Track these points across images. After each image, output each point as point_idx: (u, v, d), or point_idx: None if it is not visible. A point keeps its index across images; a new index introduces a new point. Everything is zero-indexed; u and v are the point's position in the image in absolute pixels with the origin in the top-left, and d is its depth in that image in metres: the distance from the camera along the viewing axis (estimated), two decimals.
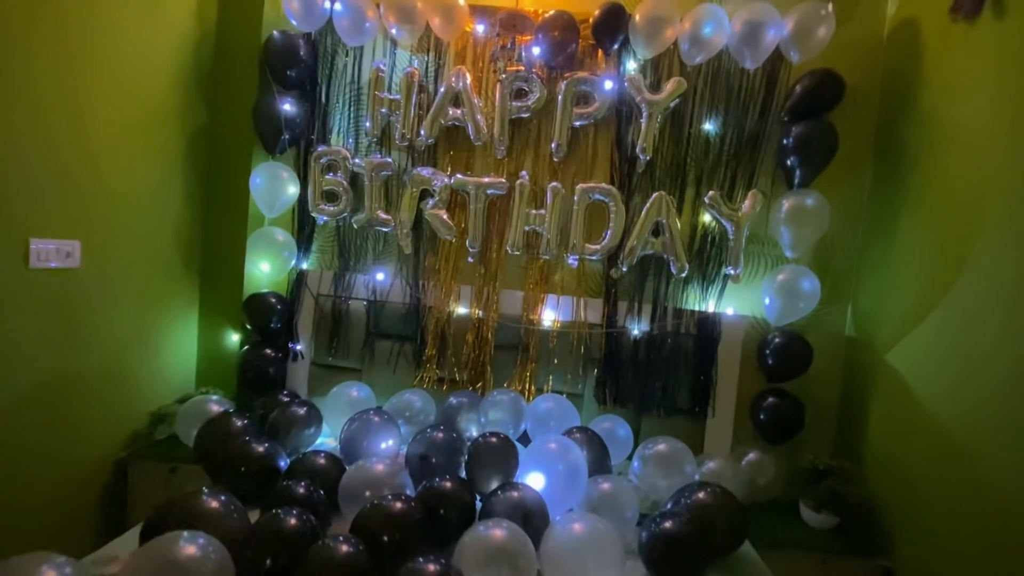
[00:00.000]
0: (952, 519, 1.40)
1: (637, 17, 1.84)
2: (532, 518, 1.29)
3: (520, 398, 1.88)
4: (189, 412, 1.80)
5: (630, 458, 1.78)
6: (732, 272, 1.90)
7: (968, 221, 1.43)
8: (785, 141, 1.84)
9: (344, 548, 1.08)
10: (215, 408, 1.82)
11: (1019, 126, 1.30)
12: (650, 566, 1.29)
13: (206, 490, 1.24)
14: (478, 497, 1.43)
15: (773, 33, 1.79)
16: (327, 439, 1.92)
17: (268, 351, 2.05)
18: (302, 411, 1.82)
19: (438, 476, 1.44)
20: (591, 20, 1.91)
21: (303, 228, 2.13)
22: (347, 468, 1.50)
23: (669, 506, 1.46)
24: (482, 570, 1.10)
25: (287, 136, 2.01)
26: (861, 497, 1.65)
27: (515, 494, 1.36)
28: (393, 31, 1.98)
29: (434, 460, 1.53)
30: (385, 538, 1.18)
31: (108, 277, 1.68)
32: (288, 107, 1.97)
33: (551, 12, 1.89)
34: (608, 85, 1.92)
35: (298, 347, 2.10)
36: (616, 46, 1.93)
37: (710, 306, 1.96)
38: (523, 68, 1.95)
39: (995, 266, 1.34)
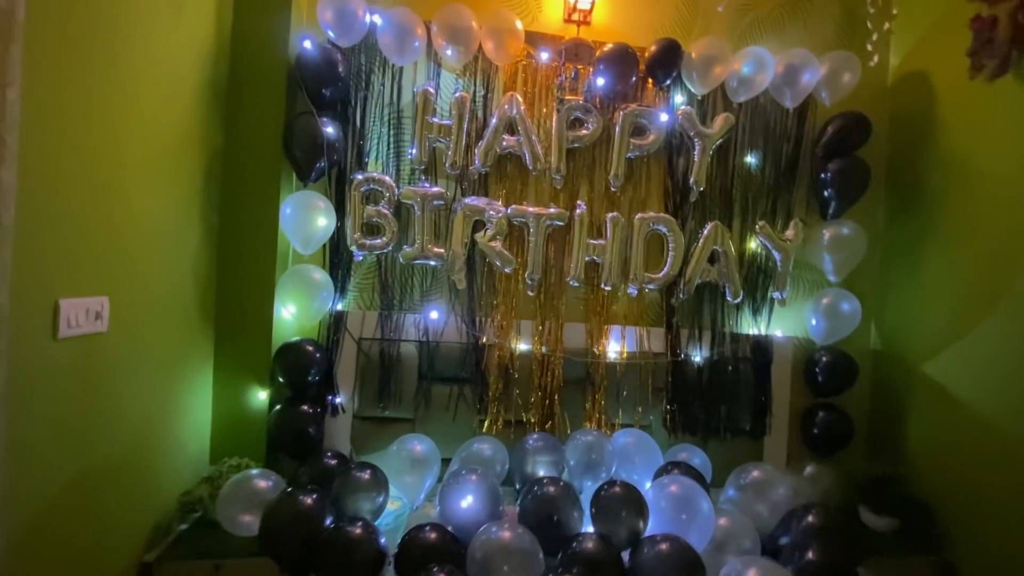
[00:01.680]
0: (1004, 511, 1.59)
1: (693, 54, 1.91)
2: (694, 571, 1.25)
3: (603, 436, 1.82)
4: (234, 492, 1.50)
5: (714, 485, 1.80)
6: (779, 296, 2.02)
7: (998, 248, 1.66)
8: (823, 175, 2.00)
9: None
10: (264, 484, 1.53)
11: None
12: None
13: None
14: (625, 554, 1.35)
15: (809, 76, 1.95)
16: (394, 503, 1.70)
17: (305, 407, 1.78)
18: (366, 476, 1.60)
19: (565, 534, 1.34)
20: (646, 54, 1.94)
21: (337, 265, 1.89)
22: (456, 531, 1.33)
23: (786, 535, 1.49)
24: None
25: (324, 162, 1.78)
26: (921, 500, 1.81)
27: (663, 547, 1.31)
28: (447, 52, 1.84)
29: (556, 518, 1.42)
30: None
31: (134, 339, 1.35)
32: (330, 130, 1.75)
33: (612, 45, 1.89)
34: (663, 118, 1.95)
35: (338, 400, 1.85)
36: (668, 81, 1.97)
37: (761, 330, 2.06)
38: (583, 98, 1.91)
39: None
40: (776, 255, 1.99)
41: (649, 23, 2.04)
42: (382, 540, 1.36)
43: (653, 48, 1.92)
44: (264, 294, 1.77)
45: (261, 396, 1.79)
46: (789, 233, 2.00)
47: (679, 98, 2.02)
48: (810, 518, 1.50)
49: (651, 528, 1.43)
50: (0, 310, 0.79)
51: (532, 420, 1.92)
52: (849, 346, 2.08)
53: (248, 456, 1.72)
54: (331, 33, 1.77)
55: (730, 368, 2.02)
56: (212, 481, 1.59)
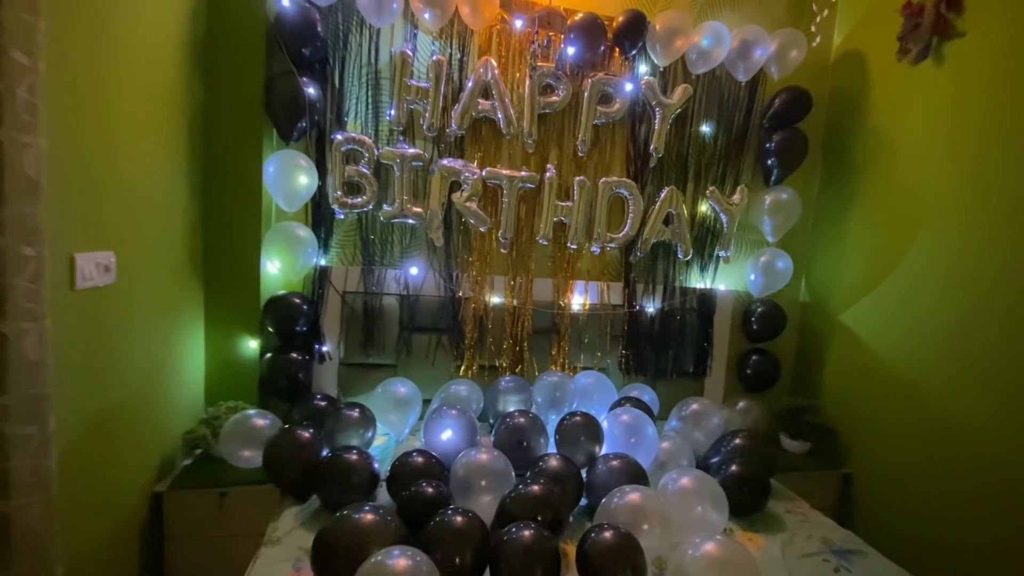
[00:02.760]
0: (891, 434, 1.95)
1: (657, 26, 2.03)
2: (639, 481, 1.51)
3: (566, 377, 2.06)
4: (235, 430, 1.65)
5: (660, 418, 2.09)
6: (724, 254, 2.27)
7: (909, 214, 1.93)
8: (768, 145, 2.21)
9: (528, 533, 1.19)
10: (261, 423, 1.69)
11: (950, 148, 1.80)
12: (730, 503, 1.60)
13: (353, 509, 1.23)
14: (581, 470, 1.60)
15: (760, 52, 2.12)
16: (380, 438, 1.90)
17: (294, 355, 1.92)
18: (355, 413, 1.78)
19: (535, 457, 1.58)
20: (614, 24, 2.05)
21: (320, 223, 1.99)
22: (451, 463, 1.55)
23: (717, 454, 1.79)
24: (636, 528, 1.29)
25: (306, 121, 1.84)
26: (828, 426, 2.16)
27: (613, 463, 1.57)
28: (424, 14, 1.89)
29: (526, 443, 1.66)
30: (539, 517, 1.30)
31: (137, 290, 1.44)
32: (311, 90, 1.80)
33: (583, 14, 1.98)
34: (628, 87, 2.09)
35: (325, 348, 2.00)
36: (634, 51, 2.10)
37: (707, 283, 2.31)
38: (554, 65, 2.02)
39: (930, 246, 1.85)
40: (723, 217, 2.22)
41: None
42: (375, 465, 1.56)
43: (620, 19, 2.03)
44: (251, 249, 1.86)
45: (252, 345, 1.92)
46: (736, 198, 2.22)
47: (643, 68, 2.16)
48: (736, 441, 1.80)
49: (606, 450, 1.69)
50: (43, 264, 0.88)
51: (504, 365, 2.13)
52: (781, 298, 2.37)
53: (242, 399, 1.86)
54: None
55: (678, 318, 2.27)
56: (211, 421, 1.74)
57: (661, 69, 2.15)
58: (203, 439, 1.69)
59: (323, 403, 1.90)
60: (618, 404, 1.95)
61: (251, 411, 1.73)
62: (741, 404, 2.26)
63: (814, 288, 2.40)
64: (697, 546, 1.17)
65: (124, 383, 1.43)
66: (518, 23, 1.97)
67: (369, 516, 1.21)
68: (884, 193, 2.07)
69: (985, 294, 1.66)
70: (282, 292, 1.91)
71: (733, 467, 1.63)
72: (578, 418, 1.72)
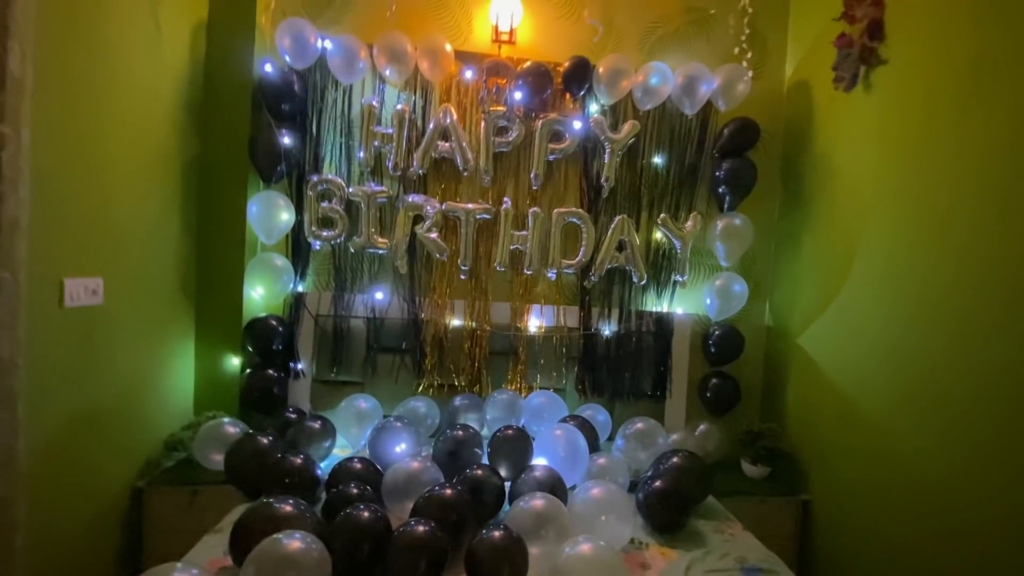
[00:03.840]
0: (848, 460, 1.90)
1: (600, 69, 2.20)
2: (555, 490, 1.59)
3: (517, 396, 2.17)
4: (208, 436, 1.87)
5: (610, 439, 2.14)
6: (680, 279, 2.33)
7: (849, 238, 1.95)
8: (717, 174, 2.29)
9: (421, 528, 1.31)
10: (232, 430, 1.90)
11: (880, 170, 1.83)
12: (648, 518, 1.64)
13: (274, 499, 1.40)
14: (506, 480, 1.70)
15: (706, 87, 2.23)
16: (340, 450, 2.07)
17: (270, 372, 2.15)
18: (316, 425, 1.97)
19: (467, 468, 1.69)
20: (562, 69, 2.24)
21: (298, 253, 2.24)
22: (385, 470, 1.69)
23: (651, 471, 1.83)
24: (532, 532, 1.38)
25: (283, 167, 2.12)
26: (786, 451, 2.13)
27: (535, 474, 1.66)
28: (385, 71, 2.16)
29: (460, 455, 1.77)
30: (444, 519, 1.41)
31: (124, 312, 1.72)
32: (287, 139, 2.09)
33: (529, 63, 2.19)
34: (577, 125, 2.25)
35: (299, 366, 2.22)
36: (582, 92, 2.27)
37: (664, 307, 2.38)
38: (505, 109, 2.23)
39: (866, 269, 1.86)
40: (676, 243, 2.30)
41: (568, 40, 2.34)
42: (318, 469, 1.73)
43: (567, 64, 2.22)
44: (235, 277, 2.13)
45: (235, 362, 2.17)
46: (688, 224, 2.30)
47: (594, 106, 2.32)
48: (673, 460, 1.83)
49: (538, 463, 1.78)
50: (20, 286, 1.14)
51: (462, 383, 2.27)
52: (745, 322, 2.39)
53: (224, 411, 2.10)
54: (288, 57, 2.10)
55: (634, 340, 2.34)
56: (192, 428, 1.97)
57: (612, 106, 2.31)
58: (180, 443, 1.93)
59: (293, 415, 2.10)
60: (563, 421, 2.03)
61: (225, 419, 1.96)
62: (701, 427, 2.27)
63: (776, 312, 2.41)
64: (575, 546, 1.25)
65: (110, 390, 1.69)
66: (468, 74, 2.20)
67: (287, 507, 1.37)
68: (829, 218, 2.09)
69: (918, 311, 1.64)
70: (262, 315, 2.16)
71: (656, 483, 1.68)
72: (510, 432, 1.82)
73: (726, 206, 2.32)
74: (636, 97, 2.27)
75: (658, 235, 2.35)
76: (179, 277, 2.03)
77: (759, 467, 2.16)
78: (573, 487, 1.69)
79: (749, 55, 2.27)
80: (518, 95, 2.20)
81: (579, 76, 2.22)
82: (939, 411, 1.56)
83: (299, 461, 1.69)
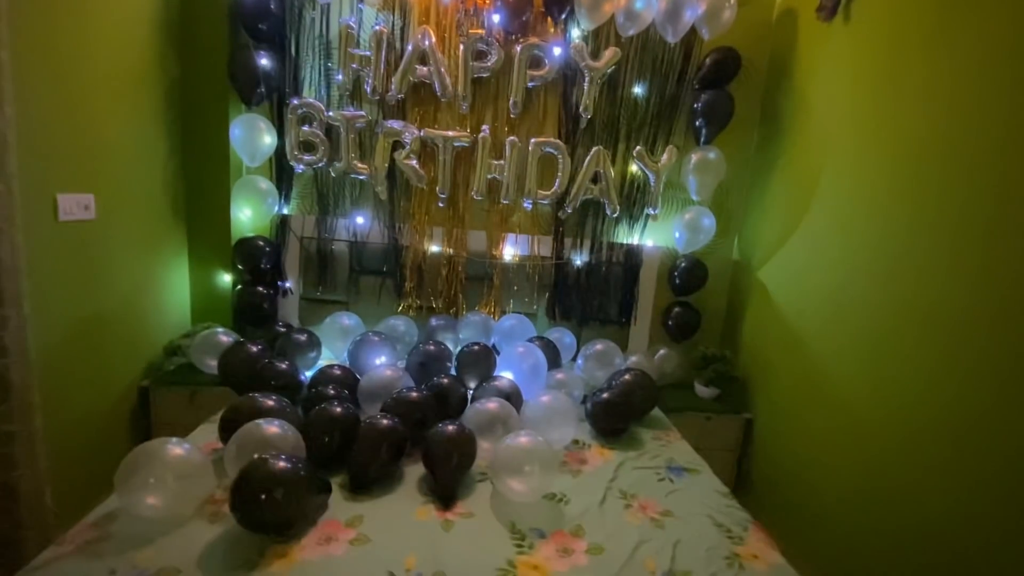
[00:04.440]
0: (788, 383, 2.07)
1: None
2: (511, 397, 1.78)
3: (489, 318, 2.33)
4: (203, 343, 2.06)
5: (574, 359, 2.32)
6: (652, 212, 2.41)
7: (812, 174, 2.00)
8: (696, 106, 2.30)
9: (385, 422, 1.50)
10: (225, 339, 2.09)
11: (850, 104, 1.84)
12: (593, 424, 1.84)
13: (259, 394, 1.59)
14: (470, 389, 1.89)
15: (690, 13, 2.18)
16: (324, 361, 2.26)
17: (260, 289, 2.31)
18: (303, 337, 2.15)
19: (436, 377, 1.88)
20: None
21: (282, 176, 2.32)
22: (361, 376, 1.88)
23: (605, 386, 2.01)
24: (485, 429, 1.58)
25: (263, 89, 2.15)
26: (734, 373, 2.31)
27: (496, 383, 1.84)
28: None
29: (430, 366, 1.96)
30: (408, 416, 1.61)
31: (116, 227, 1.85)
32: (264, 61, 2.11)
33: None
34: (557, 51, 2.23)
35: (287, 284, 2.37)
36: (564, 16, 2.23)
37: (635, 240, 2.47)
38: (484, 32, 2.20)
39: (825, 204, 1.92)
40: (650, 176, 2.35)
41: None
42: (302, 374, 1.92)
43: None
44: (222, 198, 2.23)
45: (226, 278, 2.32)
46: (664, 158, 2.34)
47: (576, 32, 2.28)
48: (625, 377, 2.01)
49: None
50: (14, 197, 1.26)
51: (439, 306, 2.43)
52: (713, 256, 2.48)
53: (220, 323, 2.28)
54: None
55: (604, 270, 2.46)
56: (189, 336, 2.16)
57: (594, 32, 2.27)
58: (179, 349, 2.12)
59: (283, 329, 2.28)
60: (529, 340, 2.20)
61: (219, 329, 2.14)
62: (661, 351, 2.44)
63: (743, 246, 2.50)
64: (515, 438, 1.44)
65: (110, 298, 1.85)
66: None
67: (270, 401, 1.56)
68: (799, 153, 2.12)
69: (870, 248, 1.68)
70: (249, 235, 2.28)
71: (603, 395, 1.86)
72: (476, 347, 2.00)
73: (702, 139, 2.34)
74: (618, 22, 2.22)
75: (633, 168, 2.39)
76: (169, 196, 2.13)
77: (710, 388, 2.34)
78: None
79: None
80: (496, 17, 2.17)
81: None
82: (869, 340, 1.67)
83: (284, 366, 1.88)
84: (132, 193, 1.92)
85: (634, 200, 2.44)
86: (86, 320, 1.74)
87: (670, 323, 2.46)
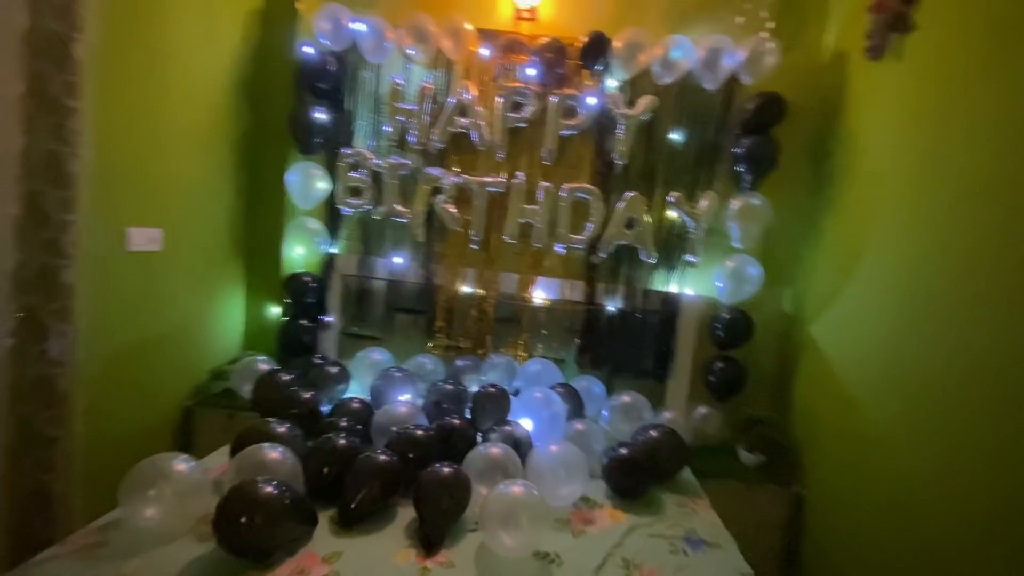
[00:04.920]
0: (846, 459, 1.80)
1: (617, 43, 2.20)
2: (520, 444, 1.70)
3: (513, 361, 2.29)
4: (243, 369, 2.20)
5: (602, 411, 2.19)
6: (692, 259, 2.29)
7: (866, 220, 1.82)
8: (736, 151, 2.21)
9: (383, 457, 1.49)
10: (264, 367, 2.21)
11: (906, 145, 1.68)
12: (608, 481, 1.70)
13: (273, 420, 1.65)
14: (480, 433, 1.84)
15: (729, 60, 2.15)
16: (353, 394, 2.31)
17: (303, 322, 2.44)
18: (334, 370, 2.23)
19: (448, 416, 1.85)
20: (579, 44, 2.26)
21: (332, 218, 2.50)
22: (376, 410, 1.90)
23: (627, 441, 1.87)
24: (484, 475, 1.51)
25: (318, 139, 2.37)
26: (782, 440, 2.06)
27: (507, 428, 1.78)
28: (411, 51, 2.32)
29: (445, 405, 1.94)
30: (410, 455, 1.58)
31: (180, 258, 2.07)
32: (319, 115, 2.33)
33: (545, 39, 2.24)
34: (591, 100, 2.27)
35: (328, 319, 2.50)
36: (599, 67, 2.28)
37: (673, 288, 2.35)
38: (520, 85, 2.30)
39: (887, 254, 1.72)
40: (689, 223, 2.26)
41: (589, 15, 2.34)
42: (323, 404, 1.97)
43: (584, 39, 2.24)
44: (277, 236, 2.44)
45: (275, 310, 2.50)
46: (704, 204, 2.24)
47: (612, 82, 2.32)
48: (650, 432, 1.86)
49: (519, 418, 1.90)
50: (82, 228, 1.46)
51: (467, 346, 2.43)
52: (765, 308, 2.30)
53: (266, 352, 2.43)
54: (325, 41, 2.33)
55: (638, 318, 2.34)
56: (235, 363, 2.32)
57: (630, 82, 2.30)
58: (223, 374, 2.28)
59: (319, 361, 2.39)
60: (552, 387, 2.12)
61: (259, 358, 2.28)
62: (701, 410, 2.25)
63: (796, 298, 2.29)
64: (508, 486, 1.36)
65: (166, 322, 2.05)
66: (484, 52, 2.30)
67: (281, 428, 1.62)
68: (849, 201, 1.95)
69: (932, 308, 1.46)
70: (299, 271, 2.46)
71: (622, 450, 1.73)
72: (492, 389, 1.95)
73: (745, 185, 2.23)
74: (654, 71, 2.23)
75: (672, 214, 2.32)
76: (230, 233, 2.37)
77: (755, 455, 2.10)
78: None
79: (771, 26, 2.14)
80: (531, 71, 2.26)
81: (596, 51, 2.23)
82: (932, 406, 1.44)
83: (307, 396, 1.95)
84: (197, 229, 2.16)
85: (673, 247, 2.34)
86: (141, 341, 1.93)
87: (712, 379, 2.27)
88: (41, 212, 1.39)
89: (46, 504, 1.45)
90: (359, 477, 1.43)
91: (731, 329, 2.24)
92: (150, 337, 1.97)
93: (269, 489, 1.26)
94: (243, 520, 1.19)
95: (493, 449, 1.59)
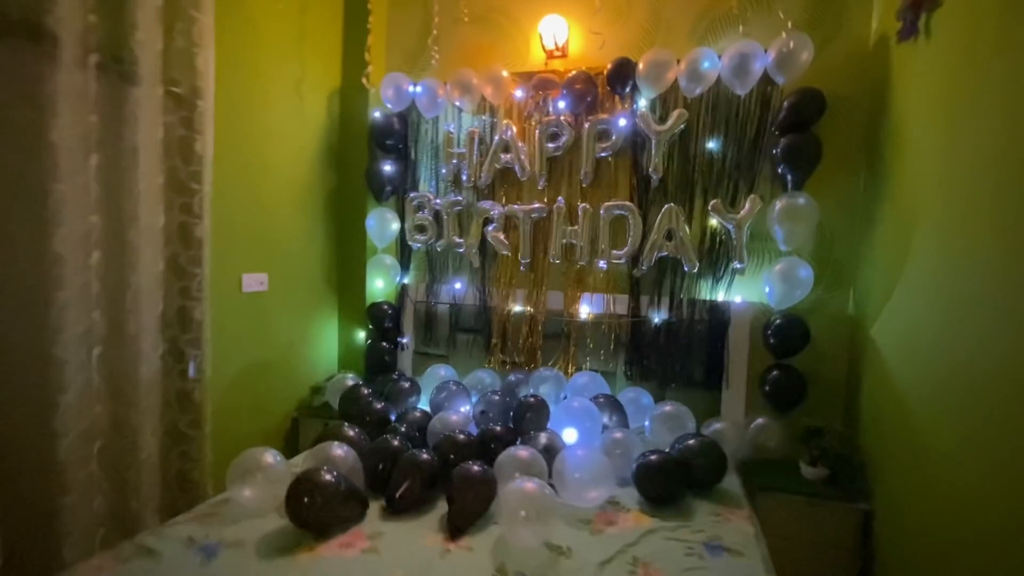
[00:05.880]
0: (911, 467, 1.64)
1: (641, 65, 2.30)
2: (549, 450, 1.83)
3: (560, 375, 2.42)
4: (335, 386, 2.62)
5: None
6: (738, 266, 2.25)
7: (915, 216, 1.68)
8: (775, 152, 2.15)
9: (424, 456, 1.73)
10: (350, 383, 2.62)
11: (939, 131, 1.55)
12: (638, 487, 1.76)
13: (347, 424, 1.98)
14: (520, 439, 2.00)
15: (759, 64, 2.13)
16: (424, 405, 2.62)
17: (383, 344, 2.83)
18: (407, 384, 2.55)
19: (493, 424, 2.05)
20: (606, 72, 2.40)
21: (403, 253, 2.88)
22: (432, 418, 2.16)
23: (660, 450, 1.90)
24: (509, 474, 1.67)
25: (389, 188, 2.78)
26: (846, 452, 1.91)
27: (544, 435, 1.92)
28: (458, 102, 2.65)
29: (491, 414, 2.14)
30: (451, 456, 1.80)
31: (283, 296, 2.56)
32: (388, 167, 2.74)
33: (573, 72, 2.42)
34: (622, 122, 2.39)
35: (404, 340, 2.86)
36: (628, 89, 2.39)
37: (720, 296, 2.32)
38: (554, 117, 2.49)
39: (926, 253, 1.58)
40: (730, 228, 2.24)
41: (617, 43, 2.48)
42: (392, 413, 2.29)
43: (609, 67, 2.37)
44: (360, 272, 2.88)
45: (361, 335, 2.92)
46: (746, 208, 2.21)
47: (643, 102, 2.41)
48: (689, 441, 1.88)
49: (560, 427, 2.04)
50: (206, 278, 1.95)
51: (520, 360, 2.61)
52: (821, 312, 2.18)
53: (356, 371, 2.86)
54: (389, 105, 2.75)
55: (685, 328, 2.34)
56: (330, 380, 2.76)
57: (660, 98, 2.37)
58: (321, 389, 2.73)
59: (396, 377, 2.74)
60: (594, 399, 2.21)
61: (348, 375, 2.69)
62: (759, 421, 2.18)
63: (859, 301, 2.12)
64: (523, 481, 1.51)
65: (273, 348, 2.53)
66: (518, 94, 2.53)
67: (350, 432, 1.94)
68: (897, 191, 1.81)
69: (996, 303, 1.32)
70: (378, 300, 2.86)
71: (651, 456, 1.77)
72: (531, 400, 2.11)
73: (790, 186, 2.16)
74: (682, 86, 2.29)
75: (713, 222, 2.31)
76: (324, 272, 2.85)
77: (818, 468, 1.98)
78: None
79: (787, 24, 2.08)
80: (562, 104, 2.45)
81: (621, 76, 2.35)
82: (1004, 411, 1.28)
83: (378, 406, 2.29)
84: (296, 270, 2.65)
85: (717, 255, 2.33)
86: (255, 362, 2.42)
87: (767, 388, 2.19)
88: (178, 267, 1.89)
89: (187, 486, 1.92)
90: (402, 471, 1.68)
91: (783, 336, 2.15)
92: (262, 360, 2.46)
93: (328, 478, 1.56)
94: (305, 500, 1.49)
95: (521, 452, 1.75)
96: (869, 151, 2.10)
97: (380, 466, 1.78)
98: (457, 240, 2.71)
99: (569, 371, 2.52)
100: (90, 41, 1.58)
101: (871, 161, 2.08)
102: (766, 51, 2.13)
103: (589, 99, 2.43)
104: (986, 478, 1.28)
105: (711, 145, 2.32)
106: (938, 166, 1.56)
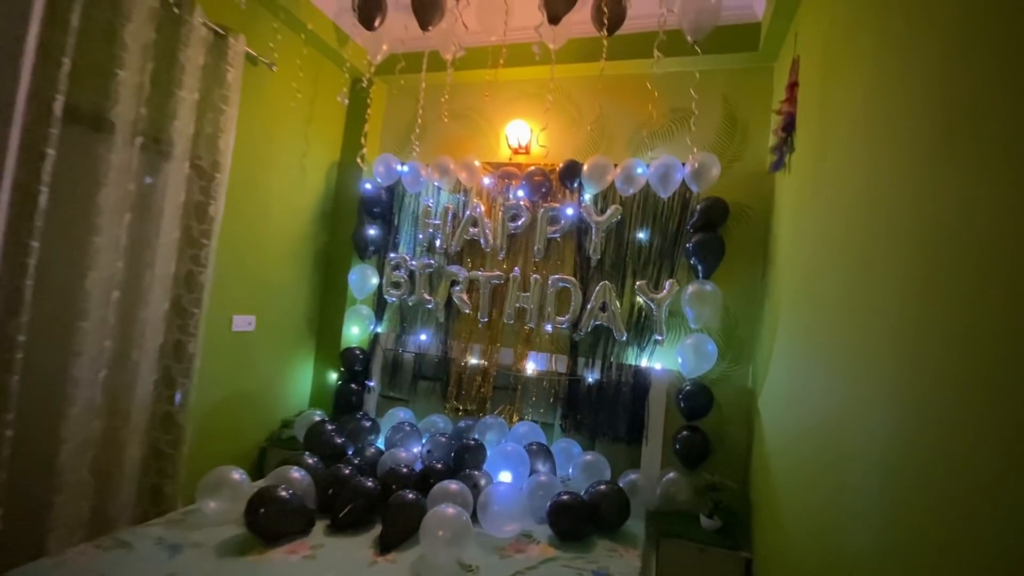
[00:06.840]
0: (792, 522, 1.95)
1: (585, 167, 2.79)
2: (478, 486, 2.14)
3: (504, 423, 2.75)
4: (302, 420, 2.91)
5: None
6: (658, 338, 2.65)
7: (777, 305, 2.10)
8: (688, 247, 2.61)
9: (368, 484, 2.03)
10: (316, 419, 2.92)
11: (794, 235, 2.00)
12: (550, 522, 2.05)
13: (308, 453, 2.28)
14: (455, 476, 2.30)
15: (679, 174, 2.63)
16: (380, 443, 2.91)
17: (353, 385, 3.15)
18: (368, 424, 2.85)
19: (436, 462, 2.35)
20: (558, 169, 2.89)
21: (379, 305, 3.27)
22: (384, 454, 2.46)
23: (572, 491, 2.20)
24: (439, 503, 1.97)
25: (372, 248, 3.21)
26: (734, 506, 2.23)
27: (475, 472, 2.23)
28: (437, 183, 3.13)
29: (435, 454, 2.45)
30: (393, 486, 2.10)
31: (268, 337, 2.91)
32: (372, 230, 3.18)
33: (532, 167, 2.91)
34: (570, 211, 2.85)
35: (371, 383, 3.19)
36: (575, 185, 2.88)
37: (644, 362, 2.70)
38: (514, 202, 2.96)
39: (792, 331, 1.99)
40: (652, 306, 2.65)
41: (572, 145, 2.99)
42: (349, 448, 2.58)
43: (560, 166, 2.87)
44: (338, 320, 3.24)
45: (333, 376, 3.25)
46: (665, 290, 2.64)
47: (587, 196, 2.89)
48: (600, 487, 2.19)
49: (495, 468, 2.34)
50: (202, 318, 2.31)
51: (472, 408, 2.93)
52: (727, 382, 2.55)
53: (325, 409, 3.16)
54: (379, 179, 3.23)
55: (614, 389, 2.70)
56: (298, 416, 3.06)
57: (602, 195, 2.85)
58: (290, 423, 3.02)
59: (359, 416, 3.05)
60: (528, 446, 2.53)
61: (316, 412, 2.99)
62: (670, 475, 2.49)
63: (755, 374, 2.50)
64: (445, 507, 1.81)
65: (254, 383, 2.86)
66: (486, 181, 3.02)
67: (311, 460, 2.24)
68: (775, 282, 2.24)
69: (858, 382, 1.71)
70: (352, 346, 3.21)
71: (563, 496, 2.08)
72: (471, 443, 2.43)
73: (700, 275, 2.59)
74: (618, 186, 2.77)
75: (639, 299, 2.73)
76: (306, 318, 3.22)
77: (714, 520, 2.28)
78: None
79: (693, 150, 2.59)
80: (521, 192, 2.92)
81: (570, 173, 2.84)
82: (877, 491, 1.62)
83: (339, 440, 2.59)
84: (282, 314, 3.02)
85: (643, 327, 2.72)
86: (235, 394, 2.74)
87: (677, 447, 2.52)
88: (180, 307, 2.26)
89: (159, 499, 2.18)
90: (349, 496, 1.98)
91: (692, 401, 2.51)
92: (242, 391, 2.78)
93: (283, 494, 1.86)
94: (261, 510, 1.78)
95: (452, 485, 2.05)
96: (764, 250, 2.56)
97: (330, 490, 2.08)
98: (427, 297, 3.10)
99: (513, 420, 2.84)
100: (138, 128, 2.03)
101: (765, 258, 2.53)
102: (683, 165, 2.63)
103: (544, 189, 2.91)
104: (858, 533, 1.60)
105: (640, 235, 2.78)
106: (789, 263, 1.99)
